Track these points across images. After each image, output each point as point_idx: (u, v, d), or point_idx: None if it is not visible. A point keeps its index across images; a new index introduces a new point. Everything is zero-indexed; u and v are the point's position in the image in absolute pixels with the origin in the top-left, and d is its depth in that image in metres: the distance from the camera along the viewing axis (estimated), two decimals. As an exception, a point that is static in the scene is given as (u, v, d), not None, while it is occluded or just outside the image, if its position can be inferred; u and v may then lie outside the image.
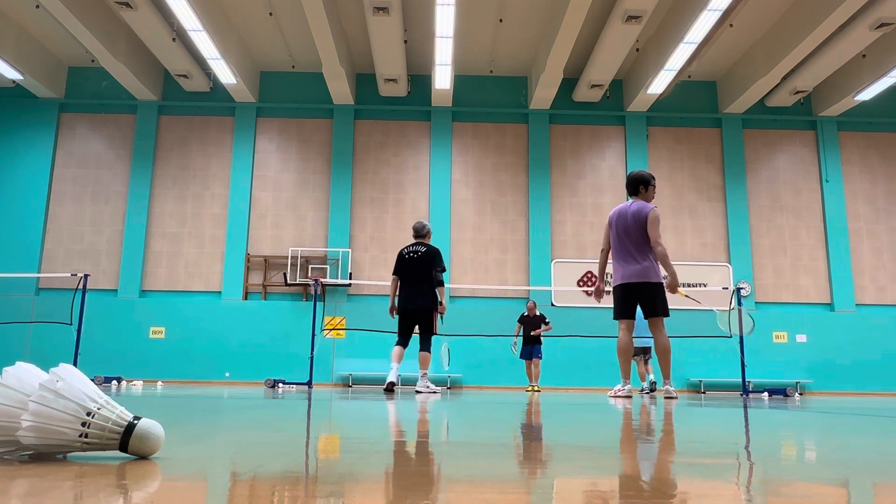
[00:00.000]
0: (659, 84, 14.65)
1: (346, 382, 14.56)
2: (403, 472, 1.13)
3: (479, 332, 13.57)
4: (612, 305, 6.21)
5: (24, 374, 1.17)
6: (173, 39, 13.64)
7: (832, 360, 14.97)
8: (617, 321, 6.16)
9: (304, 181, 15.95)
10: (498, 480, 1.05)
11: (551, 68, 13.96)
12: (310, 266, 15.12)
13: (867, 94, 14.97)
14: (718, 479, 1.09)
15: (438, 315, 7.61)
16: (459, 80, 16.11)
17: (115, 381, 12.34)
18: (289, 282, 15.00)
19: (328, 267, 15.16)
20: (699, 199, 16.05)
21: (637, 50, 14.90)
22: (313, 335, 10.45)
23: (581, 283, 15.48)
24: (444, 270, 7.63)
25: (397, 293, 7.68)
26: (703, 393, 13.28)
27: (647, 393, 10.26)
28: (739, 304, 10.33)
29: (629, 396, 6.22)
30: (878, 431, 2.29)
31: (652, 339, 10.90)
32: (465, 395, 7.41)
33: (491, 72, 16.28)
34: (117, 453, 1.23)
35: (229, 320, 14.96)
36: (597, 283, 6.39)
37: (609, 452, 1.49)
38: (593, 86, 15.34)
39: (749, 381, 11.43)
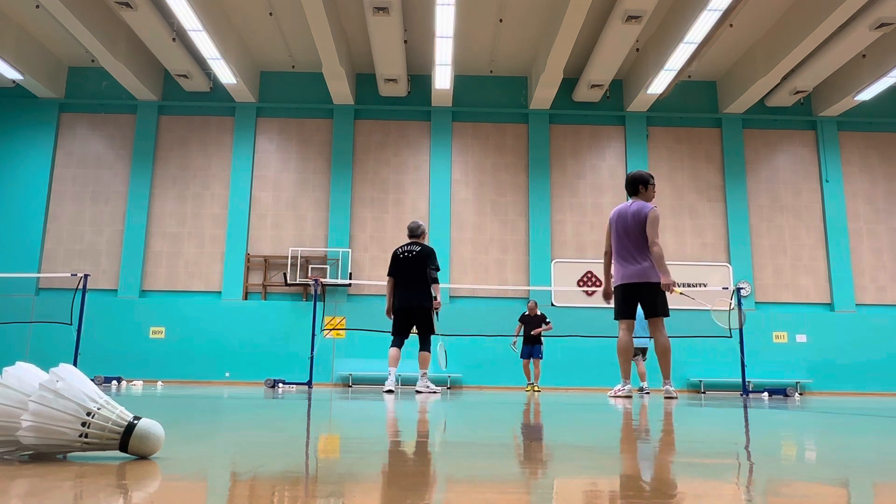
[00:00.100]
0: (659, 84, 14.65)
1: (346, 382, 14.56)
2: (403, 472, 1.13)
3: (479, 332, 13.58)
4: (613, 305, 6.22)
5: (24, 374, 1.17)
6: (173, 39, 13.64)
7: (832, 360, 14.97)
8: (617, 321, 6.16)
9: (304, 181, 15.95)
10: (498, 480, 1.05)
11: (551, 68, 13.96)
12: (310, 266, 15.12)
13: (867, 94, 14.97)
14: (718, 479, 1.09)
15: (435, 313, 7.61)
16: (459, 80, 16.11)
17: (115, 381, 12.34)
18: (289, 282, 15.00)
19: (328, 267, 15.16)
20: (699, 199, 16.05)
21: (637, 50, 14.90)
22: (313, 335, 10.46)
23: (581, 283, 15.48)
24: (438, 270, 7.63)
25: (393, 293, 7.68)
26: (703, 393, 13.28)
27: (644, 393, 10.27)
28: (740, 304, 10.33)
29: (629, 396, 6.22)
30: (878, 431, 2.29)
31: (648, 339, 10.98)
32: (465, 395, 7.41)
33: (491, 72, 16.28)
34: (117, 453, 1.23)
35: (229, 320, 14.96)
36: (604, 286, 6.38)
37: (609, 452, 1.49)
38: (593, 86, 15.34)
39: (749, 381, 11.43)
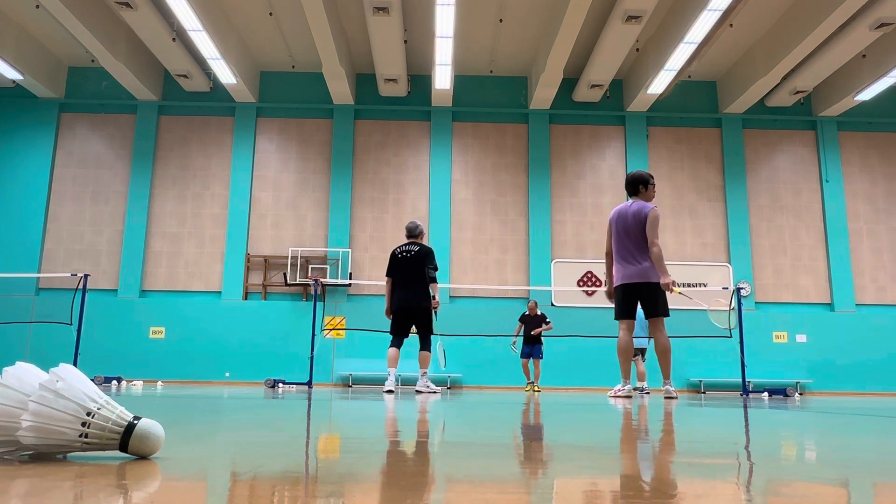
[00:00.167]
0: (659, 84, 14.65)
1: (346, 382, 14.56)
2: (403, 472, 1.13)
3: (479, 332, 13.57)
4: (613, 305, 6.22)
5: (24, 374, 1.17)
6: (173, 39, 13.64)
7: (832, 360, 14.97)
8: (617, 321, 6.17)
9: (304, 181, 15.95)
10: (498, 480, 1.05)
11: (551, 68, 13.96)
12: (310, 266, 15.12)
13: (867, 94, 14.97)
14: (718, 479, 1.09)
15: (434, 313, 7.62)
16: (459, 80, 16.11)
17: (115, 381, 12.34)
18: (289, 282, 15.00)
19: (328, 267, 15.16)
20: (699, 199, 16.05)
21: (637, 50, 14.90)
22: (313, 335, 10.46)
23: (581, 283, 15.48)
24: (436, 269, 7.64)
25: (392, 293, 7.68)
26: (703, 393, 13.28)
27: (644, 393, 10.27)
28: (740, 304, 10.33)
29: (629, 396, 6.22)
30: (878, 431, 2.29)
31: (646, 339, 10.99)
32: (465, 395, 7.41)
33: (491, 72, 16.28)
34: (117, 453, 1.23)
35: (229, 320, 14.96)
36: (607, 286, 6.36)
37: (609, 452, 1.49)
38: (593, 86, 15.34)
39: (749, 381, 11.43)
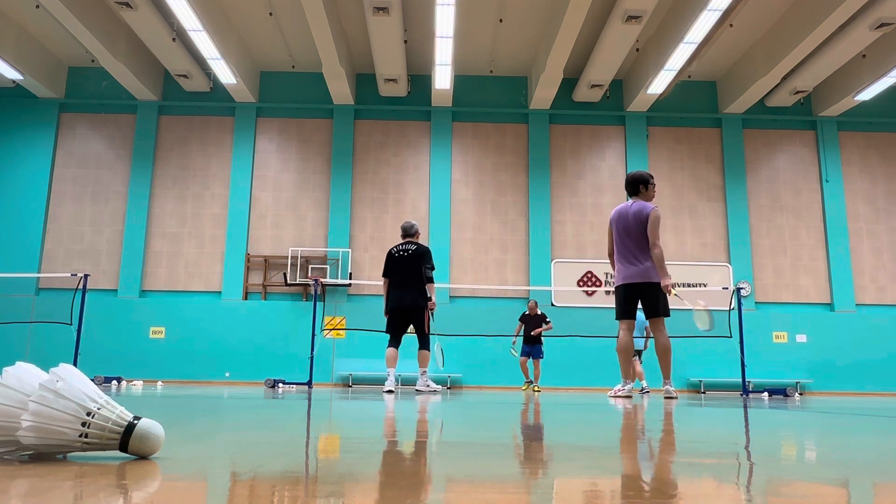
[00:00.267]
0: (659, 84, 14.65)
1: (346, 382, 14.56)
2: (403, 471, 1.13)
3: (479, 332, 13.57)
4: (614, 306, 6.23)
5: (24, 374, 1.17)
6: (173, 39, 13.64)
7: (832, 360, 14.97)
8: (617, 321, 6.18)
9: (304, 181, 15.95)
10: (498, 480, 1.05)
11: (551, 68, 13.96)
12: (310, 266, 15.12)
13: (867, 94, 14.97)
14: (718, 479, 1.09)
15: (431, 314, 7.62)
16: (459, 80, 16.11)
17: (115, 381, 12.34)
18: (289, 282, 15.00)
19: (328, 267, 15.16)
20: (699, 199, 16.05)
21: (637, 50, 14.90)
22: (313, 335, 10.46)
23: (581, 283, 15.48)
24: (433, 269, 7.64)
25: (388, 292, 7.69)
26: (703, 393, 13.28)
27: (644, 393, 10.27)
28: (740, 305, 10.33)
29: (629, 396, 6.22)
30: (878, 431, 2.29)
31: (643, 340, 10.99)
32: (465, 395, 7.41)
33: (491, 72, 16.28)
34: (117, 453, 1.23)
35: (229, 320, 14.96)
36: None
37: (609, 452, 1.49)
38: (593, 86, 15.34)
39: (749, 381, 11.43)
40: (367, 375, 14.36)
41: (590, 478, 1.10)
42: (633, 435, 2.02)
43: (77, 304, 10.89)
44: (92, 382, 1.21)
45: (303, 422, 2.39)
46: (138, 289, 15.26)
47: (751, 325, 14.15)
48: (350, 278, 15.01)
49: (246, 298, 15.33)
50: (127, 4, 12.23)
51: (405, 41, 14.03)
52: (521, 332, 12.04)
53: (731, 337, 10.09)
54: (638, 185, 6.18)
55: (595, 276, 15.51)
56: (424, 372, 7.57)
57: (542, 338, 11.96)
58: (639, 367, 11.14)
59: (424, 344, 7.55)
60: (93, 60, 15.67)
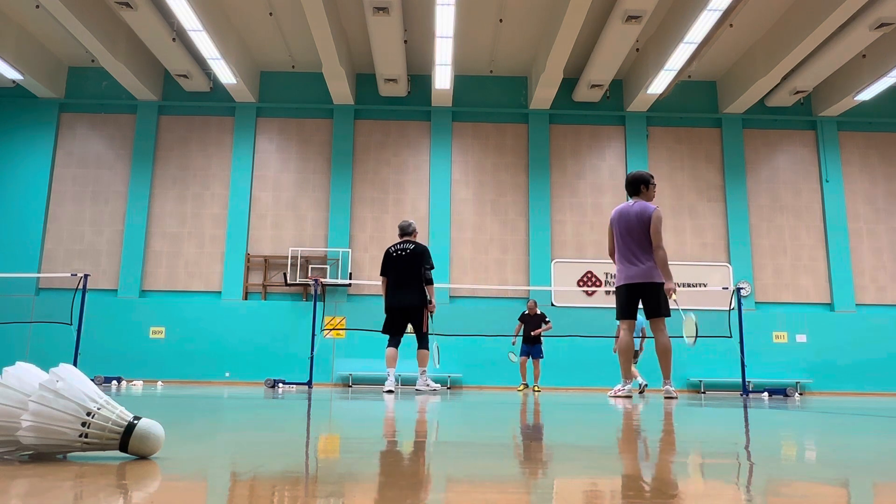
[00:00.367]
0: (659, 84, 14.65)
1: (346, 382, 14.56)
2: (403, 471, 1.13)
3: (479, 332, 13.57)
4: (615, 306, 6.24)
5: (24, 374, 1.17)
6: (173, 39, 13.64)
7: (832, 360, 14.97)
8: (618, 321, 6.19)
9: (304, 181, 15.95)
10: (498, 480, 1.05)
11: (551, 68, 13.96)
12: (310, 266, 15.12)
13: (867, 94, 14.97)
14: (718, 479, 1.09)
15: (430, 315, 7.61)
16: (459, 80, 16.11)
17: (115, 381, 12.35)
18: (289, 282, 15.00)
19: (328, 267, 15.16)
20: (699, 199, 16.05)
21: (637, 50, 14.90)
22: (313, 335, 10.46)
23: (581, 283, 15.48)
24: (432, 268, 7.64)
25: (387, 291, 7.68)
26: (703, 393, 13.28)
27: (642, 391, 10.28)
28: (740, 305, 10.33)
29: (629, 396, 6.22)
30: (878, 431, 2.29)
31: (638, 341, 10.99)
32: (465, 395, 7.41)
33: (491, 72, 16.28)
34: (117, 453, 1.23)
35: (229, 320, 14.96)
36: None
37: (609, 452, 1.49)
38: (593, 86, 15.34)
39: (749, 381, 11.43)
40: (367, 375, 14.36)
41: (590, 478, 1.10)
42: (633, 435, 2.02)
43: (77, 304, 10.89)
44: (92, 382, 1.21)
45: (303, 422, 2.39)
46: (138, 289, 15.26)
47: (751, 325, 14.15)
48: (350, 278, 15.01)
49: (246, 298, 15.33)
50: (127, 4, 12.23)
51: (405, 41, 14.03)
52: (521, 332, 12.04)
53: (731, 337, 10.09)
54: (639, 185, 6.18)
55: (595, 276, 15.51)
56: (424, 371, 7.57)
57: (542, 337, 11.96)
58: (633, 368, 11.14)
59: (424, 344, 7.55)
60: (93, 60, 15.67)
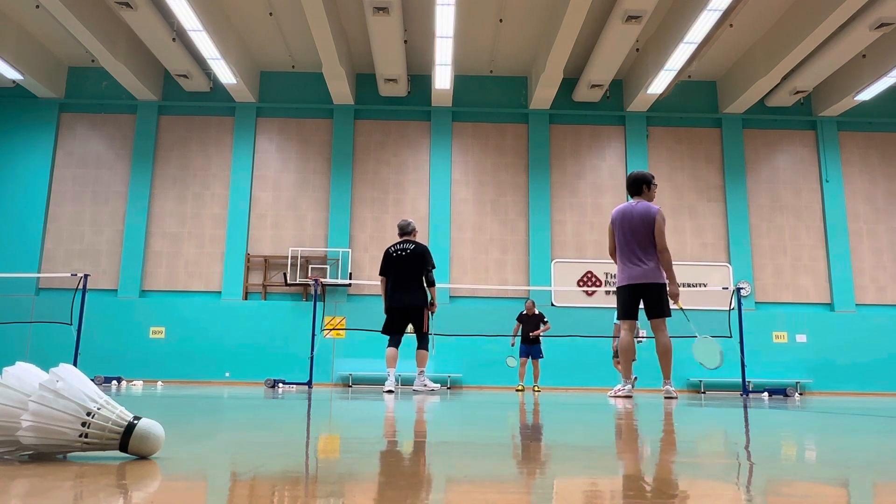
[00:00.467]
0: (659, 84, 14.65)
1: (346, 382, 14.56)
2: (403, 472, 1.13)
3: (479, 332, 13.57)
4: (616, 306, 6.25)
5: (24, 374, 1.17)
6: (173, 39, 13.64)
7: (832, 360, 14.97)
8: (616, 322, 6.19)
9: (304, 181, 15.95)
10: (498, 480, 1.05)
11: (551, 68, 13.96)
12: (310, 266, 15.12)
13: (867, 94, 14.97)
14: (718, 479, 1.09)
15: (431, 314, 7.60)
16: (459, 80, 16.11)
17: (115, 381, 12.35)
18: (289, 282, 15.00)
19: (328, 267, 15.16)
20: (699, 199, 16.05)
21: (637, 50, 14.90)
22: (313, 335, 10.46)
23: (581, 283, 15.48)
24: (434, 268, 7.63)
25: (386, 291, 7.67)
26: (703, 393, 13.28)
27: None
28: (740, 305, 10.34)
29: (629, 396, 6.22)
30: (878, 431, 2.29)
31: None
32: (464, 395, 7.41)
33: (491, 72, 16.28)
34: (117, 453, 1.23)
35: (229, 320, 14.96)
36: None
37: (609, 452, 1.49)
38: (593, 86, 15.34)
39: (749, 382, 11.43)
40: (367, 375, 14.36)
41: (590, 478, 1.10)
42: (634, 435, 2.02)
43: (77, 304, 10.89)
44: (92, 382, 1.21)
45: (303, 422, 2.39)
46: (138, 289, 15.26)
47: (751, 325, 14.15)
48: (350, 278, 15.01)
49: (246, 298, 15.34)
50: (127, 4, 12.23)
51: (405, 41, 14.03)
52: (519, 333, 12.03)
53: (730, 337, 10.08)
54: (641, 185, 6.19)
55: (595, 276, 15.51)
56: (422, 372, 7.56)
57: (541, 337, 11.96)
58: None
59: (423, 344, 7.54)
60: (93, 60, 15.67)
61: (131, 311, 15.00)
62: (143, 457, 1.21)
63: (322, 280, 13.17)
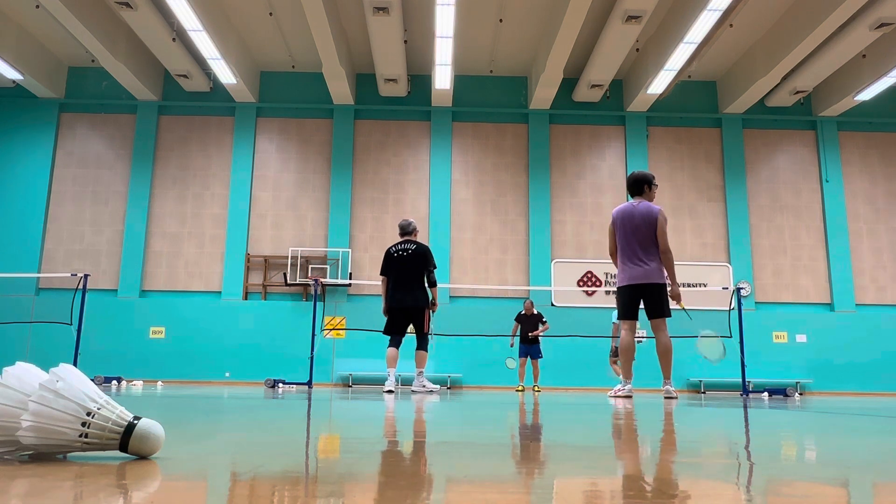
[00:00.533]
0: (659, 84, 14.65)
1: (346, 382, 14.56)
2: (403, 472, 1.13)
3: (479, 332, 13.56)
4: (616, 306, 6.25)
5: (24, 374, 1.17)
6: (173, 39, 13.64)
7: (832, 360, 14.97)
8: (616, 322, 6.19)
9: (304, 181, 15.95)
10: (498, 480, 1.05)
11: (551, 68, 13.96)
12: (310, 266, 15.12)
13: (867, 94, 14.97)
14: (718, 479, 1.09)
15: (430, 313, 7.59)
16: (459, 80, 16.11)
17: (115, 381, 12.35)
18: (289, 282, 15.00)
19: (328, 267, 15.16)
20: (699, 199, 16.05)
21: (637, 50, 14.90)
22: (313, 335, 10.46)
23: (581, 283, 15.48)
24: (435, 268, 7.61)
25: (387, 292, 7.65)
26: (703, 393, 13.28)
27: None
28: (740, 305, 10.34)
29: (629, 396, 6.22)
30: (878, 431, 2.29)
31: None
32: (464, 395, 7.41)
33: (491, 72, 16.28)
34: (117, 453, 1.23)
35: (229, 320, 14.96)
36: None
37: (609, 452, 1.49)
38: (593, 86, 15.34)
39: (749, 382, 11.43)
40: (367, 375, 14.36)
41: (590, 478, 1.10)
42: (634, 435, 2.02)
43: (77, 304, 10.89)
44: (92, 382, 1.21)
45: (303, 422, 2.39)
46: (138, 289, 15.26)
47: (751, 325, 14.14)
48: (350, 278, 15.01)
49: (246, 298, 15.33)
50: (127, 4, 12.23)
51: (405, 41, 14.03)
52: (518, 333, 12.02)
53: (730, 337, 10.08)
54: (642, 185, 6.19)
55: (595, 276, 15.51)
56: (421, 372, 7.55)
57: (540, 337, 11.95)
58: (618, 368, 11.14)
59: (423, 344, 7.53)
60: (93, 60, 15.67)
61: (131, 311, 15.00)
62: (143, 457, 1.21)
63: (322, 280, 13.17)
